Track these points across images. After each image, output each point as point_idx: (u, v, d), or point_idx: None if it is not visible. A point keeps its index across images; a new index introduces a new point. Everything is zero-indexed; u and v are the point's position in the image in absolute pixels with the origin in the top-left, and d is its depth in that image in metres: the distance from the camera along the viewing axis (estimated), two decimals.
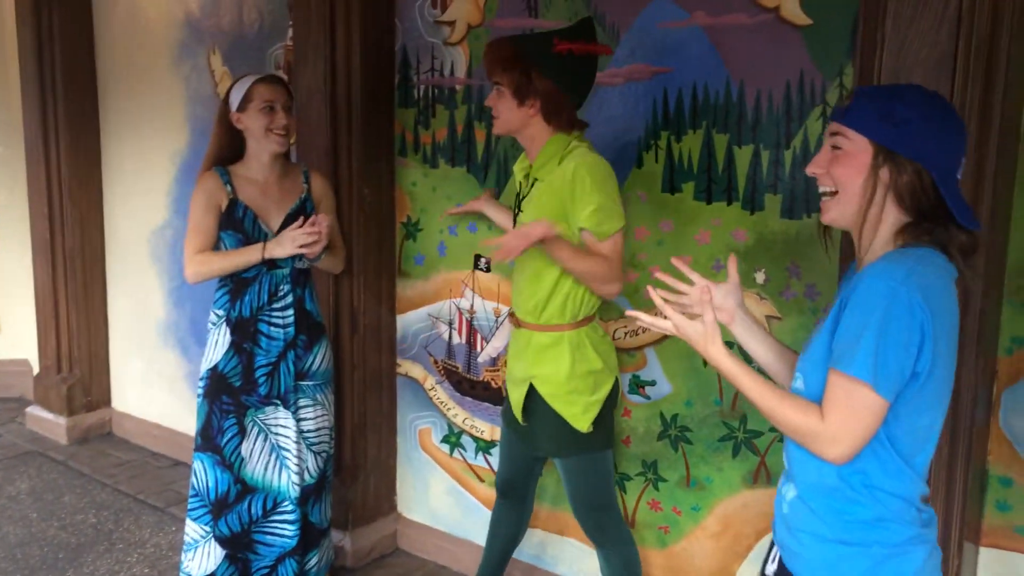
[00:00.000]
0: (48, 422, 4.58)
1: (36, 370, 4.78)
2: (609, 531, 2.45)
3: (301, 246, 2.58)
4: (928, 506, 1.49)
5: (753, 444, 2.51)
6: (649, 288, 1.59)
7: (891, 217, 1.43)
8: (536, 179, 2.34)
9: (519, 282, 2.41)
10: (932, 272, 1.35)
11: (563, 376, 2.32)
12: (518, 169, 2.46)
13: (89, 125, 4.40)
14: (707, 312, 1.48)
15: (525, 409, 2.42)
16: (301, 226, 2.60)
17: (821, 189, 1.49)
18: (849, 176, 1.43)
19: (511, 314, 2.48)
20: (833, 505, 1.45)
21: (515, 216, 2.42)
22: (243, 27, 3.68)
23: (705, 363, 2.55)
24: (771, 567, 1.60)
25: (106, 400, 4.66)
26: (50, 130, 4.33)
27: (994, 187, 1.92)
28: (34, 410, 4.68)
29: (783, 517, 1.56)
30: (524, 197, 2.39)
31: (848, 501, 1.44)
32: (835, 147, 1.45)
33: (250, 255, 2.64)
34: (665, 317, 1.52)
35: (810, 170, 1.50)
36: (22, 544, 3.42)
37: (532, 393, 2.38)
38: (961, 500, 2.02)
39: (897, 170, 1.39)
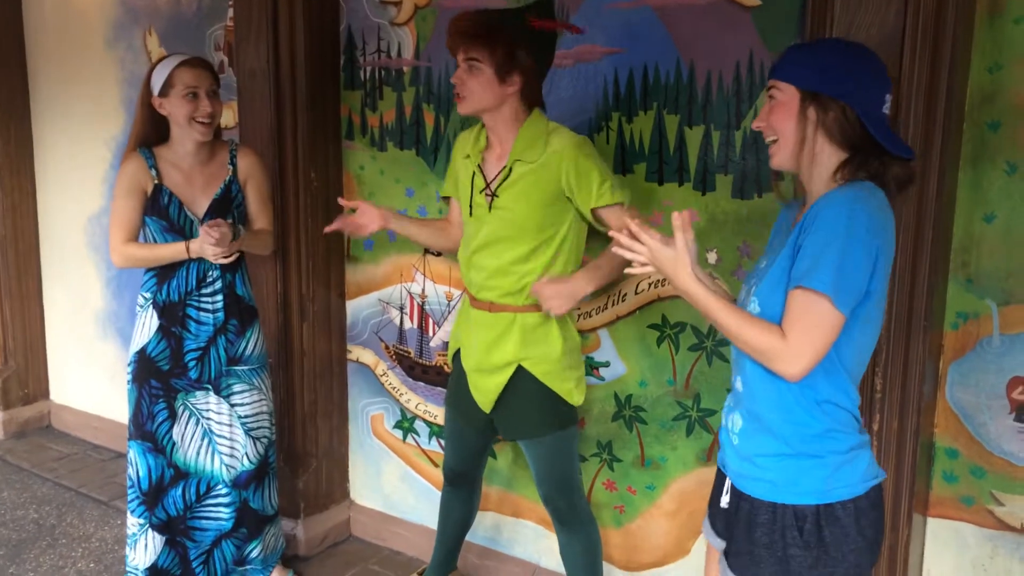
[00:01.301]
0: None
1: None
2: (579, 510, 2.46)
3: (216, 259, 2.54)
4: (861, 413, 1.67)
5: (707, 423, 2.54)
6: (627, 219, 1.71)
7: (827, 154, 1.58)
8: (517, 161, 2.28)
9: (493, 266, 2.32)
10: (875, 204, 1.51)
11: (558, 353, 2.33)
12: (470, 152, 2.37)
13: (19, 110, 4.26)
14: (679, 238, 1.59)
15: (504, 394, 2.37)
16: (212, 227, 2.49)
17: (766, 140, 1.65)
18: (782, 121, 1.60)
19: (474, 299, 2.40)
20: (791, 419, 1.59)
21: (490, 203, 2.30)
22: (181, 6, 3.58)
23: (659, 343, 2.57)
24: (725, 499, 1.72)
25: (44, 392, 4.53)
26: None
27: (940, 164, 1.95)
28: None
29: (735, 449, 1.69)
30: (499, 182, 2.29)
31: (804, 414, 1.58)
32: (771, 99, 1.62)
33: (176, 251, 2.59)
34: (642, 243, 1.62)
35: (755, 124, 1.67)
36: None
37: (519, 376, 2.34)
38: (910, 472, 2.07)
39: (823, 109, 1.55)
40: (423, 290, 3.06)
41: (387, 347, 3.20)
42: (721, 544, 1.76)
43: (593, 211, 2.27)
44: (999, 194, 2.05)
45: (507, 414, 2.40)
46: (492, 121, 2.30)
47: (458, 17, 2.25)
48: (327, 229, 2.55)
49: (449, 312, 3.00)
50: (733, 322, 1.55)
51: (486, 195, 2.32)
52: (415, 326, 3.11)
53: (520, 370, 2.34)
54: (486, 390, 2.39)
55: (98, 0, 3.87)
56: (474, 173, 2.36)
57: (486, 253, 2.34)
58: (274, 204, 2.95)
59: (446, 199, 2.61)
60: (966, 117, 2.07)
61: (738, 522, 1.66)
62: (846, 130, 1.55)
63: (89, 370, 4.32)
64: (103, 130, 3.99)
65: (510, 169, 2.29)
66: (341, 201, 2.50)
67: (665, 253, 1.60)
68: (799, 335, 1.48)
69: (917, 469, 2.09)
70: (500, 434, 2.51)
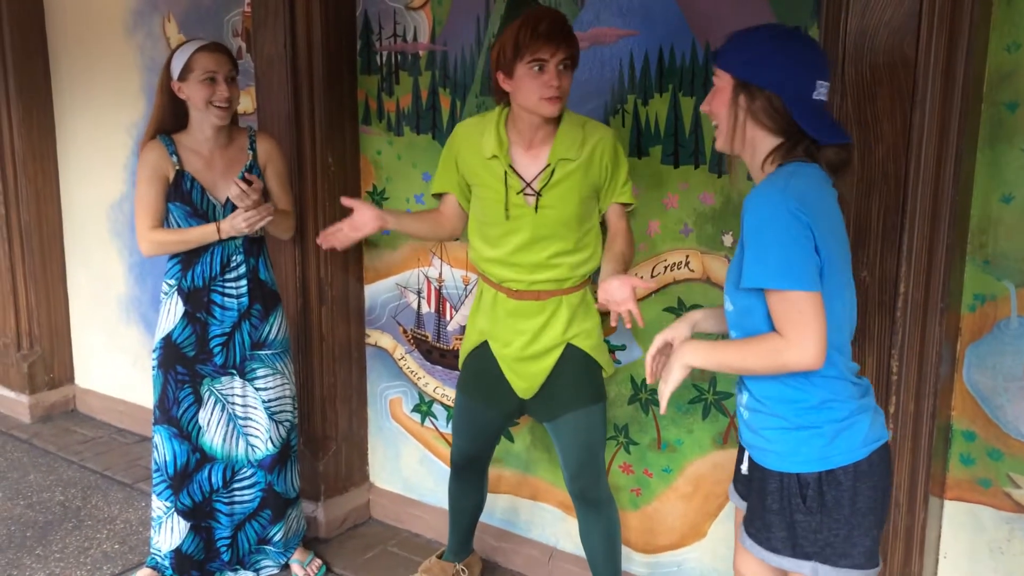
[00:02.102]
0: (10, 400, 4.51)
1: None
2: (602, 490, 2.49)
3: (251, 222, 2.57)
4: (862, 378, 1.73)
5: (723, 405, 2.54)
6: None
7: (761, 139, 1.66)
8: (561, 160, 2.25)
9: (538, 261, 2.30)
10: (804, 181, 1.58)
11: (598, 328, 2.42)
12: (496, 152, 2.29)
13: (42, 98, 4.29)
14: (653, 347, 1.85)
15: (549, 375, 2.39)
16: (243, 189, 2.54)
17: (712, 123, 1.75)
18: (718, 107, 1.71)
19: (513, 291, 2.36)
20: (784, 397, 1.67)
21: (536, 203, 2.27)
22: None
23: None
24: (744, 466, 1.85)
25: (69, 377, 4.59)
26: (1, 105, 4.21)
27: (958, 146, 1.93)
28: None
29: (745, 423, 1.78)
30: (542, 182, 2.26)
31: (797, 391, 1.65)
32: (713, 86, 1.72)
33: (205, 233, 2.61)
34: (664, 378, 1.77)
35: (701, 108, 1.78)
36: None
37: (566, 354, 2.37)
38: (926, 455, 2.07)
39: (750, 97, 1.64)
40: (440, 274, 3.07)
41: (405, 331, 3.22)
42: (744, 506, 1.86)
43: (611, 205, 2.34)
44: (1017, 174, 2.03)
45: (550, 395, 2.42)
46: (535, 121, 2.25)
47: (553, 18, 2.17)
48: (323, 244, 2.46)
49: (466, 296, 3.01)
50: (738, 356, 1.66)
51: (526, 195, 2.29)
52: (432, 310, 3.12)
53: (569, 347, 2.38)
54: (532, 375, 2.41)
55: None
56: (506, 173, 2.30)
57: (528, 251, 2.32)
58: (292, 189, 2.97)
59: (437, 196, 2.53)
60: (984, 97, 2.04)
61: (753, 490, 1.77)
62: (774, 118, 1.63)
63: (113, 355, 4.38)
64: (124, 117, 4.02)
65: (553, 169, 2.27)
66: (344, 200, 2.43)
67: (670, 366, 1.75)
68: (792, 330, 1.56)
69: (934, 451, 2.08)
70: (534, 416, 2.52)
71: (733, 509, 2.56)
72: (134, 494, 3.65)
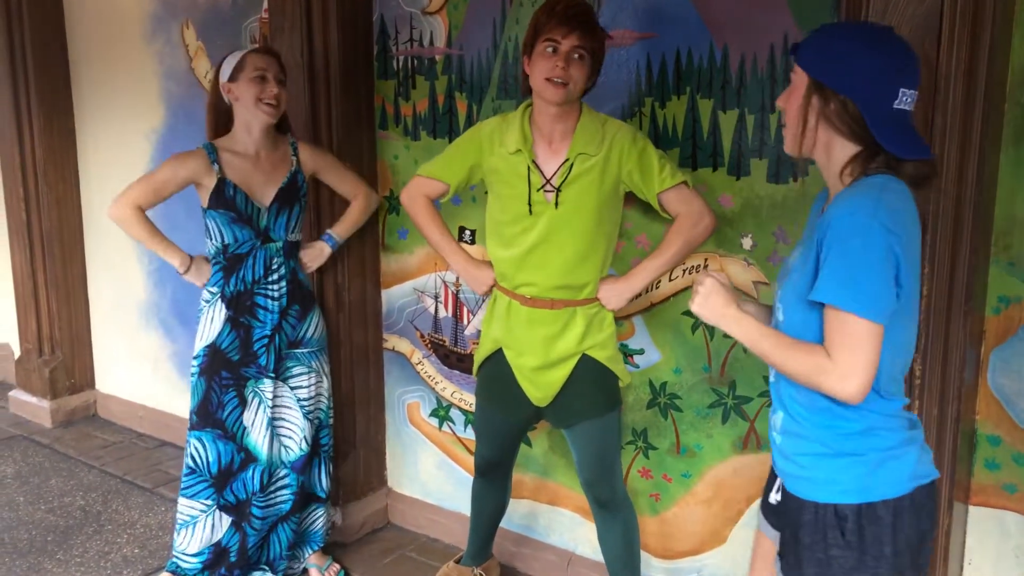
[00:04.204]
0: (32, 406, 4.54)
1: (17, 353, 4.72)
2: (619, 494, 2.48)
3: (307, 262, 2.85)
4: (912, 412, 1.63)
5: (742, 410, 2.52)
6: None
7: (838, 145, 1.53)
8: (580, 155, 2.25)
9: (551, 265, 2.30)
10: (895, 197, 1.45)
11: (613, 338, 2.41)
12: (521, 147, 2.28)
13: (62, 105, 4.33)
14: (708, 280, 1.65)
15: (565, 384, 2.38)
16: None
17: (781, 122, 1.64)
18: (790, 106, 1.58)
19: (528, 299, 2.35)
20: (824, 422, 1.55)
21: (556, 199, 2.26)
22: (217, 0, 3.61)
23: (693, 330, 2.55)
24: (775, 496, 1.69)
25: (90, 382, 4.62)
26: (22, 111, 4.25)
27: (980, 147, 1.90)
28: (17, 394, 4.64)
29: (778, 448, 1.66)
30: (561, 177, 2.25)
31: (838, 418, 1.54)
32: (789, 82, 1.60)
33: (170, 257, 2.72)
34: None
35: (777, 102, 1.65)
36: (10, 528, 3.40)
37: (581, 364, 2.36)
38: (951, 459, 2.03)
39: (824, 100, 1.51)
40: (457, 279, 3.06)
41: (422, 336, 3.21)
42: (776, 535, 1.72)
43: (658, 196, 2.28)
44: None
45: (566, 403, 2.41)
46: (556, 111, 2.24)
47: (567, 3, 2.17)
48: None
49: (483, 300, 3.00)
50: (780, 352, 1.53)
51: (546, 192, 2.28)
52: (450, 315, 3.12)
53: (584, 358, 2.37)
54: (547, 384, 2.40)
55: None
56: (529, 169, 2.29)
57: (545, 250, 2.30)
58: (311, 194, 2.99)
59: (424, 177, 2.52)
60: (1007, 97, 2.02)
61: (788, 522, 1.63)
62: (848, 124, 1.50)
63: (133, 360, 4.40)
64: (143, 123, 4.05)
65: (572, 164, 2.26)
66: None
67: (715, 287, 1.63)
68: (843, 355, 1.44)
69: (958, 456, 2.05)
70: (552, 423, 2.51)
71: (753, 514, 2.54)
72: (154, 499, 3.66)
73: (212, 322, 2.73)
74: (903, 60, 1.49)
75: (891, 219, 1.41)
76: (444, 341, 3.15)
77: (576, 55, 2.17)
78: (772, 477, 1.73)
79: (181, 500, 2.80)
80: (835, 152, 1.54)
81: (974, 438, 2.18)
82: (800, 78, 1.55)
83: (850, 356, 1.43)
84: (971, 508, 2.20)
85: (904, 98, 1.47)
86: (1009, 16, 1.96)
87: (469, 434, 3.15)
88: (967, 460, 2.16)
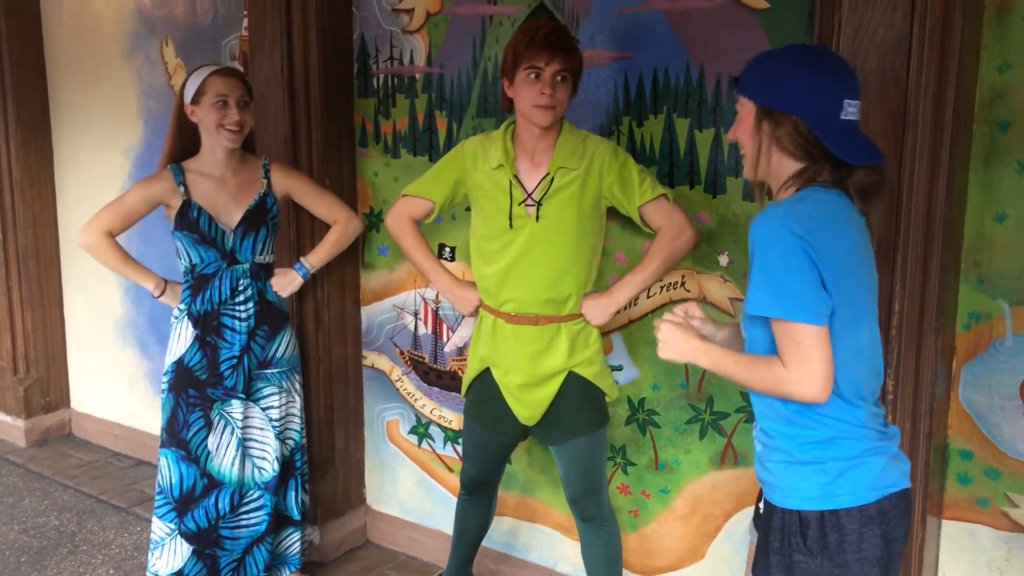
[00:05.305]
0: (6, 424, 4.49)
1: None
2: (604, 507, 2.49)
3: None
4: (890, 426, 1.65)
5: (720, 425, 2.54)
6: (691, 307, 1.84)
7: (786, 166, 1.59)
8: (560, 169, 2.28)
9: (532, 279, 2.32)
10: (810, 206, 1.50)
11: (600, 354, 2.42)
12: (503, 162, 2.31)
13: (40, 122, 4.31)
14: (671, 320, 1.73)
15: (553, 402, 2.39)
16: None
17: (740, 152, 1.69)
18: (743, 135, 1.63)
19: (512, 315, 2.36)
20: (788, 432, 1.59)
21: (536, 213, 2.29)
22: (196, 17, 3.62)
23: None
24: (761, 504, 1.73)
25: (65, 401, 4.58)
26: None
27: (950, 166, 1.95)
28: None
29: (757, 456, 1.70)
30: (542, 191, 2.28)
31: (801, 427, 1.58)
32: (736, 113, 1.65)
33: (144, 281, 2.76)
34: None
35: (728, 137, 1.73)
36: None
37: (568, 381, 2.37)
38: (923, 474, 2.06)
39: (775, 123, 1.56)
40: (437, 295, 3.07)
41: (402, 353, 3.22)
42: None
43: (639, 210, 2.30)
44: (1010, 193, 2.05)
45: (554, 421, 2.42)
46: (536, 132, 2.28)
47: (549, 29, 2.21)
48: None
49: (463, 317, 3.01)
50: (743, 371, 1.59)
51: (527, 205, 2.31)
52: (429, 331, 3.12)
53: (571, 375, 2.38)
54: (534, 403, 2.41)
55: (115, 12, 3.93)
56: (511, 183, 2.32)
57: (526, 265, 2.32)
58: (289, 212, 2.99)
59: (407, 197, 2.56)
60: (976, 117, 2.06)
61: (761, 527, 1.68)
62: (800, 143, 1.55)
63: (109, 378, 4.37)
64: (121, 141, 4.04)
65: (552, 178, 2.29)
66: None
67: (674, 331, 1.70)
68: (795, 362, 1.49)
69: (931, 471, 2.08)
70: (540, 441, 2.52)
71: (731, 530, 2.56)
72: (130, 519, 3.63)
73: (180, 339, 2.72)
74: (842, 73, 1.57)
75: (801, 226, 1.46)
76: (424, 358, 3.15)
77: (560, 78, 2.21)
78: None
79: (154, 519, 2.79)
80: (783, 171, 1.60)
81: (946, 452, 2.21)
82: (746, 108, 1.61)
83: (802, 361, 1.48)
84: (944, 522, 2.23)
85: (849, 108, 1.54)
86: (976, 39, 2.01)
87: (449, 451, 3.15)
88: (939, 474, 2.19)
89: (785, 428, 1.60)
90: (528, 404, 2.41)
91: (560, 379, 2.38)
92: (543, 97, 2.19)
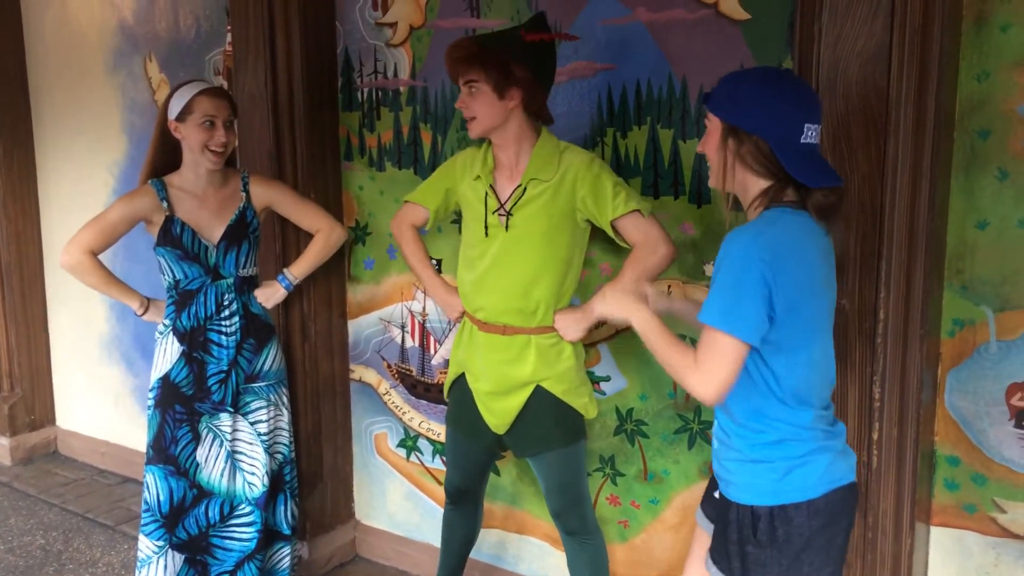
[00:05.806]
0: None
1: None
2: (588, 521, 2.47)
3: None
4: (837, 423, 1.77)
5: (707, 435, 2.54)
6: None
7: (751, 182, 1.68)
8: (532, 180, 2.29)
9: (505, 286, 2.33)
10: (779, 230, 1.60)
11: (573, 371, 2.38)
12: (480, 173, 2.35)
13: (22, 137, 4.29)
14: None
15: (520, 414, 2.38)
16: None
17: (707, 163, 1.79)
18: (710, 150, 1.73)
19: (483, 323, 2.38)
20: (742, 433, 1.72)
21: (506, 222, 2.31)
22: (180, 33, 3.62)
23: None
24: (716, 494, 1.85)
25: (50, 418, 4.54)
26: None
27: (932, 174, 1.96)
28: None
29: (715, 452, 1.83)
30: (513, 201, 2.30)
31: (752, 430, 1.70)
32: (705, 127, 1.75)
33: (128, 300, 2.74)
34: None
35: (697, 149, 1.80)
36: None
37: (536, 395, 2.36)
38: (911, 481, 2.07)
39: (739, 141, 1.66)
40: (424, 308, 3.07)
41: (389, 366, 3.21)
42: (711, 529, 1.87)
43: (613, 224, 2.28)
44: (991, 201, 2.06)
45: (523, 432, 2.41)
46: (501, 139, 2.32)
47: (452, 45, 2.29)
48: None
49: (450, 329, 3.01)
50: (662, 346, 1.69)
51: (500, 215, 2.32)
52: (416, 344, 3.12)
53: (538, 389, 2.36)
54: (502, 412, 2.40)
55: (98, 28, 3.92)
56: (486, 193, 2.35)
57: (497, 273, 2.33)
58: (275, 225, 2.98)
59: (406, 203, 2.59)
60: (956, 125, 2.08)
61: (719, 518, 1.80)
62: (762, 161, 1.64)
63: (95, 395, 4.34)
64: (105, 156, 4.02)
65: (524, 188, 2.30)
66: None
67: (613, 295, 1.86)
68: (704, 363, 1.60)
69: (918, 477, 2.09)
70: (512, 451, 2.51)
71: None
72: (116, 536, 3.60)
73: (165, 355, 2.71)
74: (805, 99, 1.66)
75: (768, 251, 1.56)
76: (411, 371, 3.15)
77: (472, 89, 2.26)
78: (713, 477, 1.90)
79: (140, 536, 2.76)
80: (749, 187, 1.69)
81: (933, 459, 2.22)
82: (714, 124, 1.70)
83: (712, 366, 1.59)
84: (932, 528, 2.24)
85: (809, 132, 1.62)
86: (955, 49, 2.03)
87: (437, 464, 3.14)
88: (927, 481, 2.20)
89: (740, 429, 1.72)
90: (496, 412, 2.41)
91: (527, 391, 2.36)
92: (465, 110, 2.29)
